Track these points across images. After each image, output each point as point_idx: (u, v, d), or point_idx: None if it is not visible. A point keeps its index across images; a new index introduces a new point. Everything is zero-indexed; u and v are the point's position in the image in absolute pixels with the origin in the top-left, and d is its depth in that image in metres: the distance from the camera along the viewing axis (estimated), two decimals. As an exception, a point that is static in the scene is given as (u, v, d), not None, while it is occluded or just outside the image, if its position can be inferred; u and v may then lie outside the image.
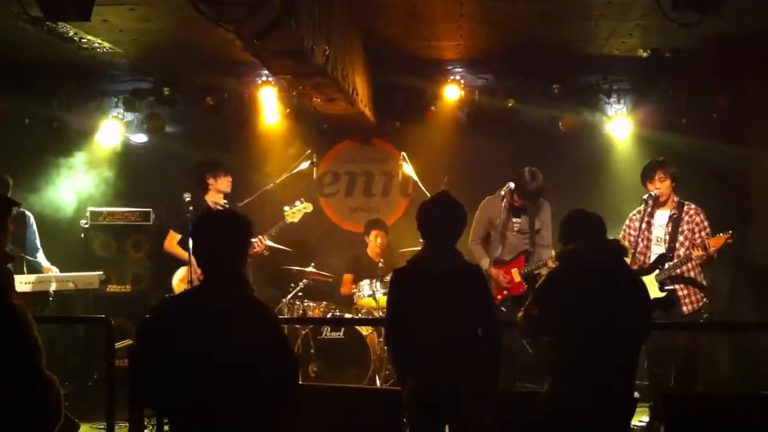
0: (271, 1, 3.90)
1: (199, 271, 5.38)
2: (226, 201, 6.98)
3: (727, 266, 7.57)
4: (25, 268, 6.67)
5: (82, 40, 6.94)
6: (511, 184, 6.42)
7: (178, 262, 6.85)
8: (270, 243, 7.18)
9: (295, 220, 7.13)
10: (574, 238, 4.30)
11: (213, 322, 3.14)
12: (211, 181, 6.95)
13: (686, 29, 4.53)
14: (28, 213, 6.79)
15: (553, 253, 6.37)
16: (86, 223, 8.08)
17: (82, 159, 8.57)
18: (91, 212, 8.10)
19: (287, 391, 3.26)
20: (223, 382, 3.09)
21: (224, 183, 6.97)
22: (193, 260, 5.99)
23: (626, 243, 6.45)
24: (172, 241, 6.88)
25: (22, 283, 6.49)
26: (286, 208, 7.13)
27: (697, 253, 6.02)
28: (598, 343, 4.02)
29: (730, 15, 4.76)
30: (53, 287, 6.81)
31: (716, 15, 4.13)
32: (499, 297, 6.59)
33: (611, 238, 4.47)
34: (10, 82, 7.81)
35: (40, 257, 6.95)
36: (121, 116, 8.65)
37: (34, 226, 6.96)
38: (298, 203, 7.16)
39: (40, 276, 6.77)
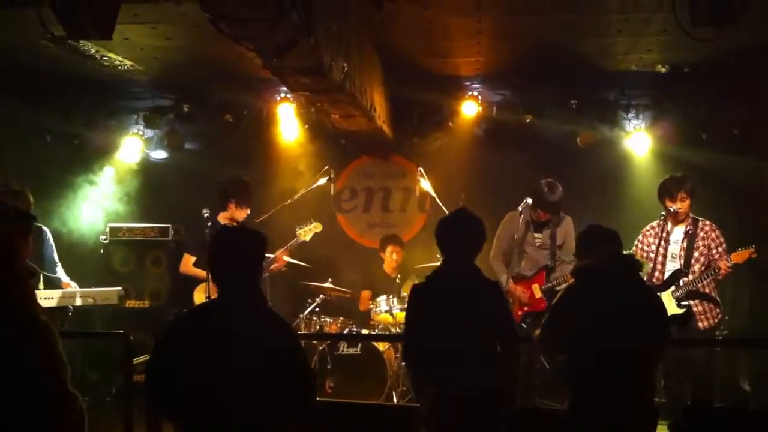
0: (290, 19, 3.93)
1: (217, 286, 5.39)
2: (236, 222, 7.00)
3: (747, 282, 7.51)
4: (41, 284, 6.71)
5: (104, 58, 7.02)
6: (529, 200, 6.40)
7: (196, 279, 6.88)
8: (287, 259, 7.23)
9: (307, 239, 7.18)
10: (589, 253, 4.30)
11: (230, 336, 3.18)
12: (232, 206, 6.92)
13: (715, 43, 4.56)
14: (44, 228, 6.80)
15: (572, 268, 6.34)
16: (106, 239, 8.16)
17: (102, 175, 8.65)
18: (111, 228, 8.17)
19: (303, 404, 3.26)
20: (240, 395, 3.11)
21: (242, 214, 6.95)
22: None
23: (638, 257, 6.42)
24: (188, 264, 6.92)
25: (43, 298, 6.52)
26: (297, 227, 7.17)
27: (724, 264, 5.97)
28: (615, 359, 3.99)
29: (748, 27, 4.74)
30: (73, 303, 6.84)
31: (734, 29, 4.11)
32: (519, 313, 6.57)
33: (627, 253, 4.45)
34: (32, 99, 7.88)
35: (60, 272, 7.00)
36: (141, 133, 8.72)
37: (51, 241, 6.95)
38: (309, 223, 7.20)
39: (60, 291, 6.81)
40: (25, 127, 8.34)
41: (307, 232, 7.16)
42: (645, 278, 6.15)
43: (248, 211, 7.00)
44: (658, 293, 6.09)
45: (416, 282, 4.38)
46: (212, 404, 3.15)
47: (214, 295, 6.53)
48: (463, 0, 5.72)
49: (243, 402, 3.13)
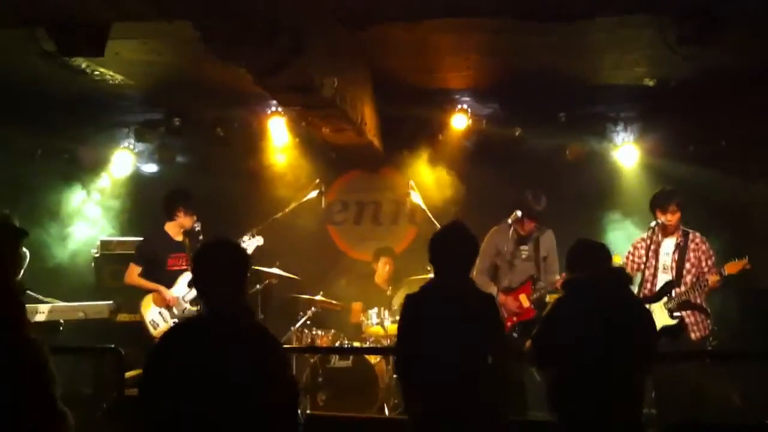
0: (279, 40, 3.98)
1: (169, 295, 5.48)
2: (188, 236, 7.12)
3: (735, 295, 7.56)
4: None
5: (95, 73, 7.03)
6: (519, 213, 6.47)
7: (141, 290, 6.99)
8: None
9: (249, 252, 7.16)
10: (579, 267, 4.34)
11: (217, 351, 3.22)
12: (180, 214, 7.10)
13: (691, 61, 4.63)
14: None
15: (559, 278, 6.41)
16: (96, 253, 8.15)
17: (93, 189, 8.66)
18: (102, 242, 8.17)
19: (288, 419, 3.30)
20: (225, 407, 3.15)
21: (189, 221, 7.12)
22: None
23: (628, 269, 6.49)
24: (133, 274, 7.00)
25: (34, 313, 6.53)
26: (243, 239, 7.10)
27: (713, 278, 6.05)
28: (603, 371, 4.04)
29: (731, 48, 4.81)
30: (63, 316, 6.84)
31: (719, 48, 4.18)
32: (509, 324, 6.62)
33: (616, 266, 4.50)
34: (23, 114, 7.88)
35: None
36: (132, 147, 8.75)
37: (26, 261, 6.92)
38: (249, 238, 7.12)
39: (51, 306, 6.81)
40: (16, 143, 8.33)
41: (249, 245, 7.06)
42: (635, 290, 6.21)
43: (195, 218, 7.12)
44: (650, 304, 6.19)
45: (408, 293, 4.40)
46: (201, 419, 3.18)
47: (159, 306, 6.86)
48: (452, 19, 5.75)
49: (230, 416, 3.17)
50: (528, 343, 4.41)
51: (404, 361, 4.30)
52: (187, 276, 7.00)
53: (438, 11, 4.00)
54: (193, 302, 6.99)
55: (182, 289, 6.94)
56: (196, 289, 3.43)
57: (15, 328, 2.58)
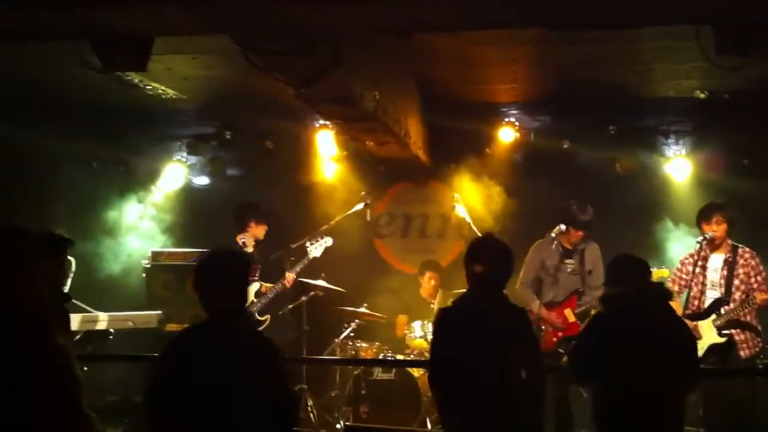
0: (318, 50, 4.03)
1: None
2: (255, 243, 7.23)
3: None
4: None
5: (147, 87, 7.21)
6: (563, 226, 6.41)
7: None
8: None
9: (318, 254, 7.35)
10: (618, 282, 4.28)
11: (217, 357, 3.29)
12: (252, 224, 7.27)
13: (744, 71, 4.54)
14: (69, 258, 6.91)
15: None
16: (147, 263, 8.32)
17: (145, 201, 8.86)
18: (153, 253, 8.34)
19: (284, 423, 3.35)
20: (228, 414, 3.22)
21: (261, 231, 7.32)
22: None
23: (676, 287, 6.36)
24: None
25: (85, 321, 6.70)
26: (308, 244, 7.34)
27: (761, 296, 5.90)
28: (642, 388, 3.96)
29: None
30: (112, 326, 6.99)
31: (760, 58, 4.09)
32: (554, 339, 6.55)
33: (657, 281, 4.43)
34: (80, 127, 8.11)
35: None
36: (184, 159, 8.94)
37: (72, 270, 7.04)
38: (319, 239, 7.38)
39: (98, 315, 6.96)
40: (73, 155, 8.60)
41: (317, 248, 7.32)
42: (681, 307, 6.09)
43: (266, 227, 7.30)
44: (699, 322, 6.06)
45: (442, 306, 4.40)
46: (203, 423, 3.25)
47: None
48: (496, 31, 5.74)
49: (228, 420, 3.23)
50: (565, 359, 4.36)
51: (437, 374, 4.28)
52: (255, 287, 7.17)
53: (473, 23, 3.99)
54: (261, 313, 7.11)
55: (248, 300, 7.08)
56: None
57: (41, 333, 2.65)
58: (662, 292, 4.30)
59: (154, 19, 3.90)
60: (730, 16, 3.67)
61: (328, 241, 7.39)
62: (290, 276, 7.16)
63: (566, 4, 3.42)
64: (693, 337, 4.31)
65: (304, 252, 7.33)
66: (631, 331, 4.06)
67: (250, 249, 7.25)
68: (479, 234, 7.06)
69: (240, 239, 7.14)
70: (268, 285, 7.18)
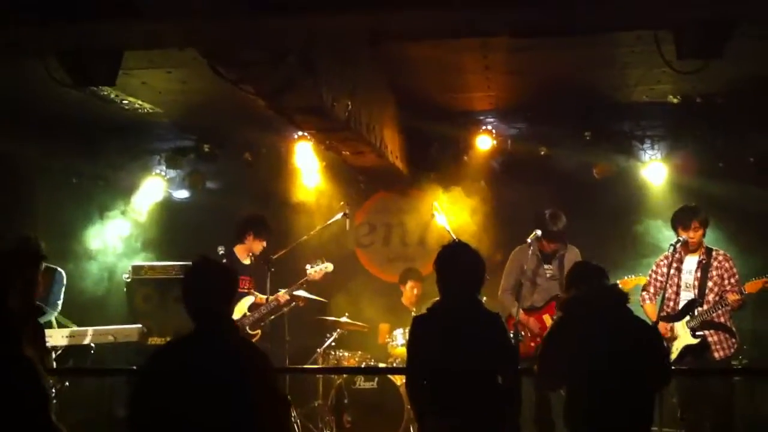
0: (287, 61, 4.06)
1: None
2: (251, 256, 7.27)
3: (768, 311, 7.41)
4: (55, 323, 6.85)
5: (123, 102, 7.22)
6: (538, 232, 6.46)
7: None
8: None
9: (317, 278, 7.41)
10: (576, 287, 4.34)
11: (205, 368, 3.27)
12: (250, 238, 7.30)
13: (717, 73, 4.59)
14: (59, 270, 6.89)
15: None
16: (128, 277, 8.31)
17: (125, 215, 8.86)
18: (133, 267, 8.34)
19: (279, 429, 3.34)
20: (216, 421, 3.19)
21: (259, 246, 7.34)
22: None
23: (651, 288, 6.41)
24: None
25: (63, 336, 6.67)
26: (308, 267, 7.39)
27: (733, 297, 5.96)
28: (607, 388, 4.00)
29: (737, 60, 4.78)
30: (93, 340, 6.97)
31: (721, 61, 4.15)
32: (532, 344, 6.58)
33: (613, 283, 4.48)
34: (58, 142, 8.11)
35: (50, 315, 6.77)
36: (163, 173, 8.94)
37: (62, 283, 6.90)
38: (320, 263, 7.42)
39: (79, 329, 6.94)
40: (53, 171, 8.59)
41: (318, 272, 7.38)
42: (657, 308, 6.14)
43: (264, 244, 7.32)
44: (674, 323, 6.11)
45: (416, 315, 4.42)
46: None
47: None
48: (468, 39, 5.79)
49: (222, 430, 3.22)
50: (535, 366, 4.40)
51: (413, 381, 4.31)
52: (249, 300, 7.17)
53: (439, 32, 4.04)
54: (253, 326, 7.12)
55: (241, 313, 7.15)
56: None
57: (6, 344, 2.66)
58: (618, 294, 4.34)
59: (122, 35, 3.92)
60: (689, 20, 3.73)
61: (328, 267, 7.44)
62: (282, 295, 7.19)
63: (527, 12, 3.47)
64: (656, 336, 4.37)
65: (303, 273, 7.39)
66: (589, 332, 4.09)
67: (246, 261, 7.31)
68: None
69: (219, 250, 7.16)
70: (263, 297, 7.19)
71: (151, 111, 7.61)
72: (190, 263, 3.59)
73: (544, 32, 3.83)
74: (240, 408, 3.22)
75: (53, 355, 6.35)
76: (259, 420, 3.23)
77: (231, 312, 3.56)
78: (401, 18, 3.92)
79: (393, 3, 3.74)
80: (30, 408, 2.66)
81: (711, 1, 3.61)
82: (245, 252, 7.33)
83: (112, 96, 6.99)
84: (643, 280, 6.62)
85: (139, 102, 7.32)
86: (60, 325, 6.99)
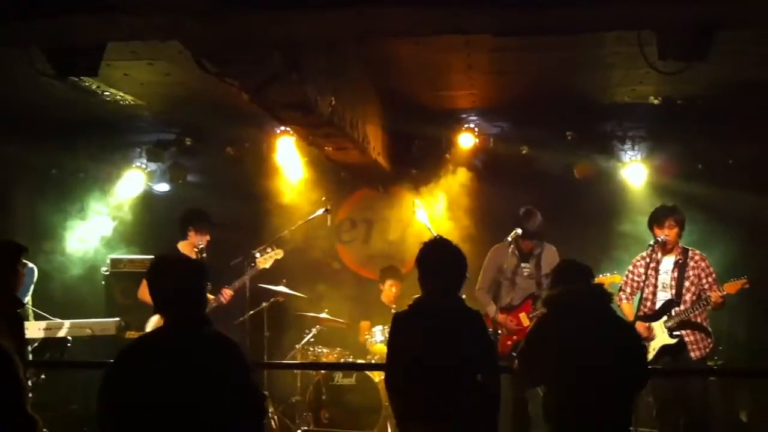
0: (271, 57, 4.05)
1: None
2: (197, 249, 7.07)
3: (744, 312, 7.50)
4: (31, 316, 6.80)
5: (105, 93, 7.16)
6: (519, 230, 6.49)
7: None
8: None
9: (267, 266, 7.25)
10: (560, 284, 4.37)
11: (177, 362, 3.25)
12: (191, 233, 7.17)
13: (698, 76, 4.62)
14: (29, 264, 6.82)
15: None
16: (107, 271, 8.26)
17: (105, 208, 8.81)
18: (112, 260, 8.29)
19: (252, 422, 3.35)
20: (194, 420, 3.17)
21: (201, 239, 7.14)
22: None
23: (628, 288, 6.46)
24: (145, 291, 6.99)
25: (40, 329, 6.63)
26: (257, 254, 7.23)
27: (716, 294, 6.01)
28: (588, 385, 4.03)
29: (724, 62, 4.82)
30: (70, 333, 6.93)
31: (703, 64, 4.19)
32: (509, 343, 6.62)
33: (596, 283, 4.51)
34: (37, 134, 8.05)
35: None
36: (144, 166, 8.89)
37: (32, 278, 6.89)
38: (269, 249, 7.27)
39: (55, 322, 6.90)
40: (32, 163, 8.53)
41: (267, 259, 7.22)
42: (634, 309, 6.18)
43: (208, 237, 7.16)
44: (651, 323, 6.16)
45: (397, 311, 4.43)
46: (165, 427, 3.21)
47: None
48: (451, 37, 5.80)
49: (196, 423, 3.20)
50: (516, 363, 4.42)
51: (393, 378, 4.31)
52: None
53: (421, 28, 4.04)
54: None
55: None
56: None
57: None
58: (602, 294, 4.37)
59: (106, 27, 3.90)
60: (670, 21, 3.76)
61: (278, 253, 7.30)
62: (227, 292, 7.06)
63: (509, 11, 3.48)
64: (636, 337, 4.41)
65: (252, 262, 7.23)
66: (572, 332, 4.12)
67: (193, 257, 7.15)
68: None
69: (180, 246, 7.07)
70: (211, 297, 7.09)
71: (132, 103, 7.55)
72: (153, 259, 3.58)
73: (526, 31, 3.85)
74: (213, 399, 3.20)
75: (29, 348, 6.33)
76: (234, 412, 3.21)
77: (203, 305, 3.51)
78: (384, 15, 3.92)
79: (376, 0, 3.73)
80: (3, 398, 2.64)
81: (692, 3, 3.64)
82: (190, 248, 7.13)
83: (94, 87, 6.92)
84: (617, 278, 6.66)
85: (121, 94, 7.26)
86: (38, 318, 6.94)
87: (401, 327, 4.30)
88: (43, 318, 6.94)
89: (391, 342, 4.36)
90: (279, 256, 7.31)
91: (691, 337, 6.18)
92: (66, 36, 4.13)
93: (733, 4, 3.77)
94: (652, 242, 6.27)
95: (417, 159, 8.54)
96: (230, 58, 4.10)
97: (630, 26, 4.23)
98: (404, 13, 3.73)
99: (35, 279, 6.90)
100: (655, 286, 6.34)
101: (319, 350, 7.46)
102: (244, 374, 3.33)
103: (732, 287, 6.04)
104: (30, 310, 6.74)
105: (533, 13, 3.42)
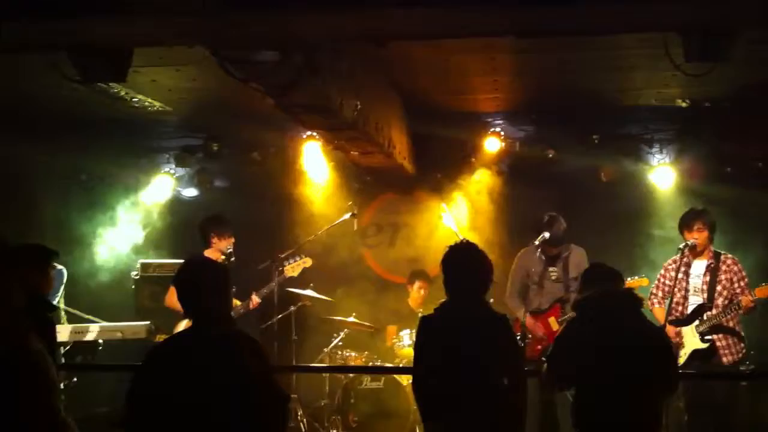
0: (293, 59, 4.08)
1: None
2: (224, 257, 7.06)
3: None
4: (63, 319, 6.88)
5: (133, 99, 7.25)
6: (546, 234, 6.46)
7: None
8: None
9: (295, 274, 7.29)
10: (589, 288, 4.34)
11: (204, 360, 3.31)
12: (215, 239, 7.17)
13: (724, 77, 4.57)
14: (59, 267, 6.91)
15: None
16: (136, 275, 8.34)
17: (134, 213, 8.90)
18: (142, 264, 8.37)
19: (276, 420, 3.37)
20: (220, 420, 3.20)
21: (227, 243, 7.16)
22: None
23: (659, 293, 6.39)
24: (173, 297, 7.05)
25: (71, 332, 6.71)
26: (285, 261, 7.27)
27: (746, 299, 5.94)
28: (618, 389, 4.01)
29: (750, 64, 4.77)
30: (101, 336, 7.00)
31: (729, 65, 4.16)
32: (538, 347, 6.59)
33: (626, 287, 4.48)
34: (67, 140, 8.15)
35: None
36: (172, 171, 8.97)
37: (61, 281, 6.88)
38: (297, 258, 7.31)
39: (87, 326, 6.98)
40: (62, 168, 8.65)
41: (295, 267, 7.27)
42: (665, 313, 6.12)
43: (233, 240, 7.17)
44: (682, 327, 6.10)
45: (423, 315, 4.44)
46: (193, 425, 3.26)
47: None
48: (473, 40, 5.80)
49: (223, 426, 3.24)
50: (544, 367, 4.40)
51: (419, 382, 4.31)
52: None
53: (440, 31, 4.04)
54: None
55: None
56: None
57: (14, 339, 2.68)
58: (632, 298, 4.34)
59: (127, 30, 3.95)
60: (695, 22, 3.73)
61: (306, 261, 7.33)
62: (255, 299, 7.08)
63: (531, 12, 3.47)
64: (666, 341, 4.36)
65: (281, 268, 7.25)
66: (602, 335, 4.10)
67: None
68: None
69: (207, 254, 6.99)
70: (239, 303, 7.14)
71: (160, 109, 7.64)
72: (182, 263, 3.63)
73: (549, 33, 3.84)
74: (237, 400, 3.24)
75: (61, 351, 6.42)
76: (257, 413, 3.24)
77: (227, 307, 3.56)
78: (402, 18, 3.93)
79: (394, 3, 3.74)
80: (36, 398, 2.68)
81: (713, 3, 3.61)
82: (216, 255, 7.09)
83: (122, 94, 7.01)
84: (645, 282, 6.60)
85: (149, 100, 7.34)
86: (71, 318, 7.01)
87: (428, 330, 4.31)
88: (77, 317, 7.00)
89: (418, 345, 4.36)
90: (307, 265, 7.36)
91: (723, 342, 6.11)
92: (85, 39, 4.17)
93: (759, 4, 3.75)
94: (681, 246, 6.20)
95: (442, 163, 8.53)
96: (252, 62, 4.13)
97: (655, 28, 4.19)
98: (423, 15, 3.73)
99: (65, 281, 6.98)
100: (687, 290, 6.28)
101: (347, 354, 7.48)
102: (266, 372, 3.36)
103: (762, 292, 5.96)
104: (62, 312, 6.82)
105: (556, 14, 3.40)
